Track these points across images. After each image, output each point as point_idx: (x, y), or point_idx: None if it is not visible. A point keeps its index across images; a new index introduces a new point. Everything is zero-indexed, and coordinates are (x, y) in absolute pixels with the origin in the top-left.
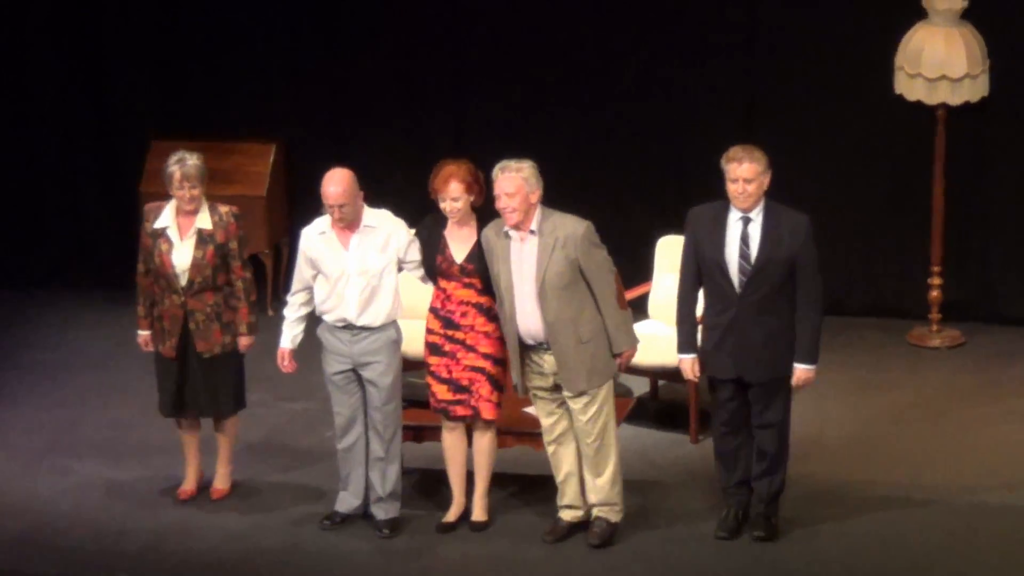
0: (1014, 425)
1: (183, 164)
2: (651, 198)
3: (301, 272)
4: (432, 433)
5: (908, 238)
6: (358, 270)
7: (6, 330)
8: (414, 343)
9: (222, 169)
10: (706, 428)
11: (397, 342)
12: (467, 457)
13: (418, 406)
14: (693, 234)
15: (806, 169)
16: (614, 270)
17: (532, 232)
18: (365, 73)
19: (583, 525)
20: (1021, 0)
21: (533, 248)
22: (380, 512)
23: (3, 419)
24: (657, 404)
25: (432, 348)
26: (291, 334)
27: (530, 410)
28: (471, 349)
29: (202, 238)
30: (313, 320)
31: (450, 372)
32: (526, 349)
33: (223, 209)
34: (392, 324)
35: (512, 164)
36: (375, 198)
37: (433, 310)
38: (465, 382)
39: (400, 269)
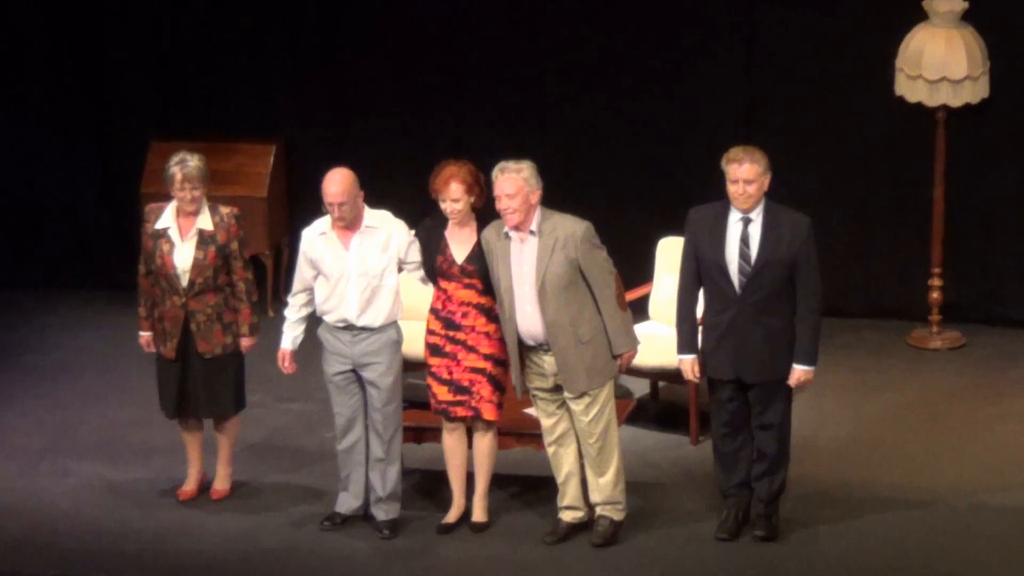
0: (1014, 426)
1: (184, 165)
2: (651, 198)
3: (302, 273)
4: (432, 434)
5: (908, 240)
6: (359, 271)
7: (6, 331)
8: (415, 344)
9: (222, 170)
10: (706, 429)
11: (398, 343)
12: (467, 458)
13: (418, 407)
14: (693, 234)
15: (806, 170)
16: (614, 271)
17: (532, 233)
18: (365, 73)
19: (584, 526)
20: (1021, 2)
21: (533, 249)
22: (380, 513)
23: (3, 420)
24: (657, 405)
25: (433, 349)
26: (292, 335)
27: (530, 411)
28: (472, 350)
29: (203, 239)
30: (314, 321)
31: (451, 373)
32: (526, 350)
33: (224, 210)
34: (392, 325)
35: (512, 165)
36: (375, 198)
37: (434, 311)
38: (466, 383)
39: (400, 270)
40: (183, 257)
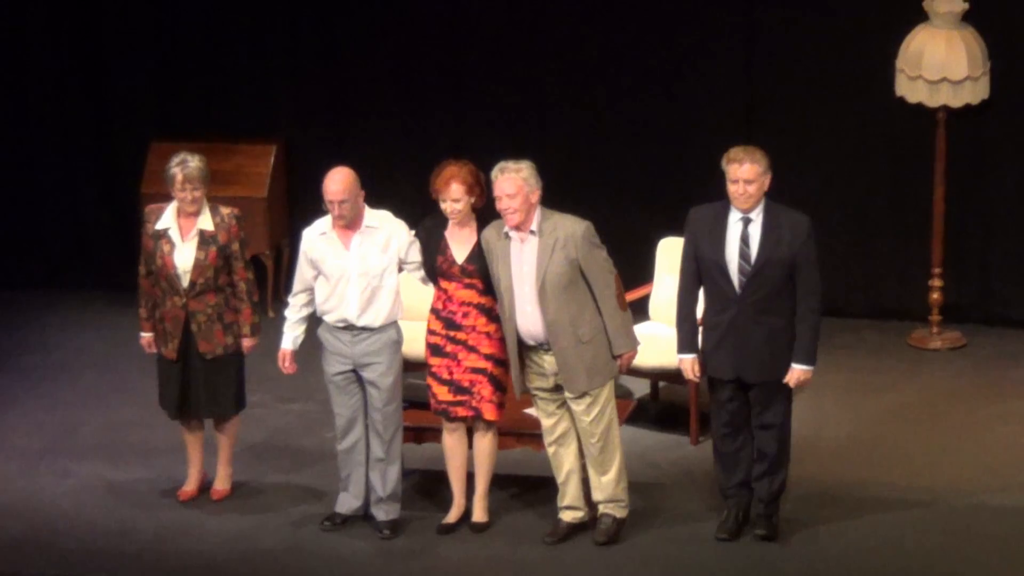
0: (1014, 427)
1: (185, 166)
2: (651, 198)
3: (302, 273)
4: (432, 434)
5: (909, 240)
6: (359, 270)
7: (6, 331)
8: (415, 344)
9: (222, 170)
10: (706, 430)
11: (398, 343)
12: (467, 458)
13: (418, 407)
14: (693, 234)
15: (806, 170)
16: (614, 271)
17: (532, 232)
18: (365, 73)
19: (584, 526)
20: (1021, 2)
21: (533, 249)
22: (380, 513)
23: (3, 420)
24: (657, 406)
25: (433, 349)
26: (292, 335)
27: (531, 411)
28: (472, 350)
29: (204, 239)
30: (314, 321)
31: (451, 373)
32: (526, 349)
33: (225, 211)
34: (393, 325)
35: (511, 165)
36: (375, 198)
37: (434, 311)
38: (466, 383)
39: (401, 270)
40: (184, 257)
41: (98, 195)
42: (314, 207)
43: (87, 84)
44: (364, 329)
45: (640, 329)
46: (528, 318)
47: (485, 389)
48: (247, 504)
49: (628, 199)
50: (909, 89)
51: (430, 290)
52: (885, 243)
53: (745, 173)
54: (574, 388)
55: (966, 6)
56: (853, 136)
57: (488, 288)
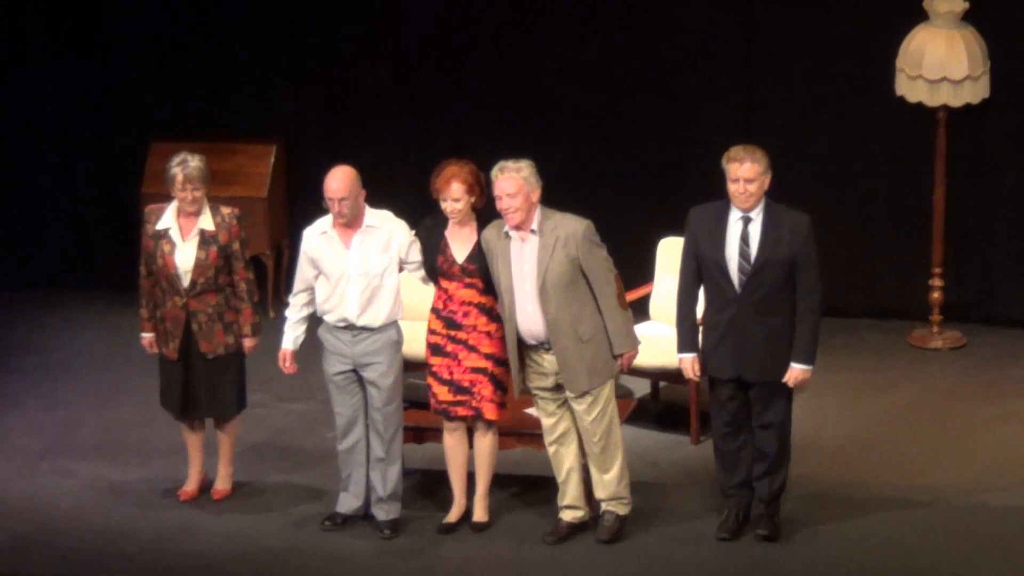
0: (1015, 427)
1: (185, 166)
2: (651, 198)
3: (303, 272)
4: (433, 434)
5: (909, 239)
6: (359, 270)
7: (6, 331)
8: (415, 344)
9: (222, 170)
10: (707, 429)
11: (398, 343)
12: (468, 458)
13: (419, 407)
14: (693, 234)
15: (806, 169)
16: (614, 271)
17: (533, 232)
18: (365, 73)
19: (584, 526)
20: (1022, 2)
21: (534, 248)
22: (381, 513)
23: (3, 420)
24: (658, 405)
25: (434, 349)
26: (293, 335)
27: (531, 411)
28: (473, 349)
29: (205, 239)
30: (314, 321)
31: (451, 373)
32: (527, 349)
33: (225, 211)
34: (393, 325)
35: (511, 164)
36: (375, 198)
37: (435, 311)
38: (466, 383)
39: (401, 269)
40: (184, 257)
41: (98, 195)
42: (314, 207)
43: (87, 84)
44: (364, 329)
45: (640, 329)
46: (529, 317)
47: (485, 389)
48: (247, 504)
49: (628, 199)
50: (909, 89)
51: (430, 290)
52: (885, 243)
53: (745, 172)
54: (575, 387)
55: (966, 6)
56: (853, 136)
57: (488, 287)
